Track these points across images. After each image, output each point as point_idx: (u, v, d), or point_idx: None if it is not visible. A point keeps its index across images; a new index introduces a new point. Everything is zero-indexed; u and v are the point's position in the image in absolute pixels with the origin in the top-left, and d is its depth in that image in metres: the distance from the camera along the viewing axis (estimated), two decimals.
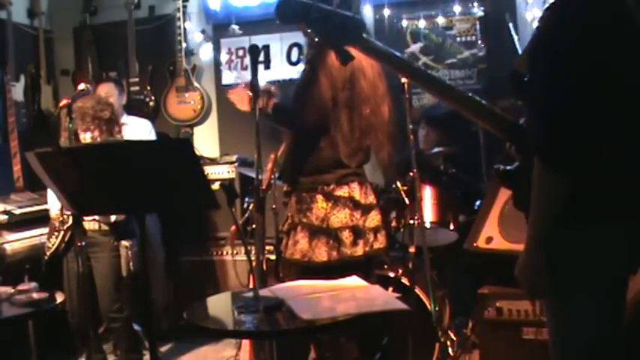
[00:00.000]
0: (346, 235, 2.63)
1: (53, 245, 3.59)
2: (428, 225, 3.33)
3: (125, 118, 4.20)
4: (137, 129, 4.16)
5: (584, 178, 1.57)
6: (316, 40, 2.37)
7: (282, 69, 4.79)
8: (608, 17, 1.58)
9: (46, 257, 3.61)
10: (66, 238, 3.58)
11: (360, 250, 2.65)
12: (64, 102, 3.09)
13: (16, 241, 3.83)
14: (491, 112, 1.84)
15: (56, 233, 3.60)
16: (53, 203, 3.68)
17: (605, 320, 1.67)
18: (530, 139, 1.69)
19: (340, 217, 2.62)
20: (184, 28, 4.86)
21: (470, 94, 1.85)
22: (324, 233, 2.61)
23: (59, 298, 2.55)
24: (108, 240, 3.65)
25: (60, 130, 3.52)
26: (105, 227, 3.62)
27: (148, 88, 4.96)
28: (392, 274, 3.21)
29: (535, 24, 4.20)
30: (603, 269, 1.64)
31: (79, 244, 3.04)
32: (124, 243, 3.64)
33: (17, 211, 3.89)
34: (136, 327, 3.88)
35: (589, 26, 1.56)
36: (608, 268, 1.65)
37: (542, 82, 1.58)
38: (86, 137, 3.50)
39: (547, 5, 1.68)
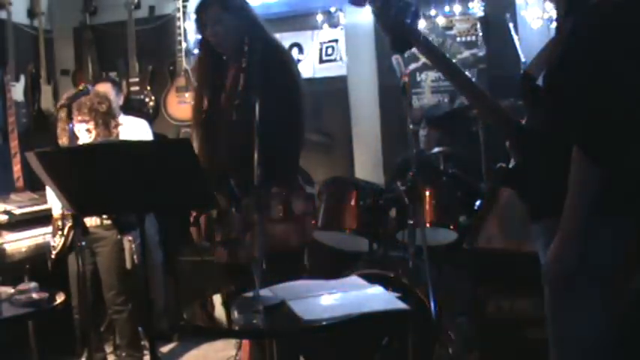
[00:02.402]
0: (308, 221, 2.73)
1: (58, 245, 3.60)
2: (428, 225, 3.33)
3: (122, 119, 4.21)
4: (133, 129, 4.16)
5: (618, 168, 1.61)
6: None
7: None
8: None
9: (52, 256, 3.62)
10: (70, 237, 3.59)
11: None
12: (63, 102, 3.09)
13: (16, 241, 3.83)
14: (505, 116, 1.90)
15: (60, 232, 3.61)
16: (54, 203, 3.68)
17: (608, 311, 1.69)
18: (534, 137, 1.71)
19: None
20: (184, 28, 4.85)
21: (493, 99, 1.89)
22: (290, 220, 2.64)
23: (59, 298, 2.55)
24: (111, 234, 3.67)
25: (59, 131, 3.52)
26: (107, 222, 3.64)
27: (148, 88, 4.96)
28: (392, 274, 3.21)
29: (535, 24, 4.22)
30: (611, 257, 1.67)
31: (79, 244, 3.05)
32: (127, 237, 3.66)
33: (17, 211, 3.89)
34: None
35: (629, 30, 1.60)
36: (616, 257, 1.67)
37: (583, 78, 1.61)
38: (81, 129, 3.50)
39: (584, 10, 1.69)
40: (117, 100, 4.26)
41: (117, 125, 3.65)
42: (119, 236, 3.66)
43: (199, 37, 2.80)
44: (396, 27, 1.86)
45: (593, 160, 1.60)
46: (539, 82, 1.81)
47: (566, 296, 1.71)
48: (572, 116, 1.63)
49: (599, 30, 1.61)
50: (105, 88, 4.21)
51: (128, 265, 3.70)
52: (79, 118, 3.46)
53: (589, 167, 1.60)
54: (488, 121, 1.97)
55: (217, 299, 2.32)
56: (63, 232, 3.58)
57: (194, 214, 2.75)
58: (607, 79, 1.57)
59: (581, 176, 1.61)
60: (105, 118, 3.55)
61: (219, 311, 2.20)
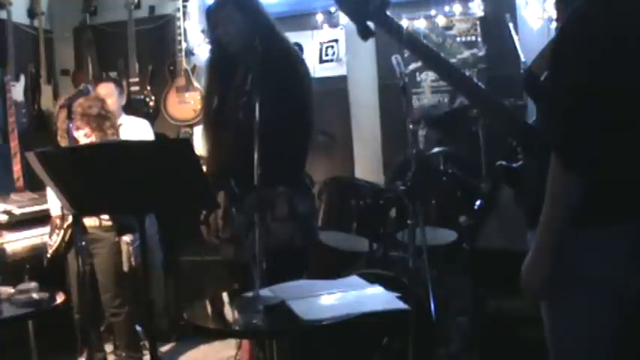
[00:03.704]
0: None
1: (55, 243, 3.60)
2: (428, 225, 3.32)
3: (123, 119, 4.21)
4: (135, 129, 4.16)
5: (598, 178, 1.54)
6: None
7: None
8: (635, 23, 1.57)
9: (48, 255, 3.61)
10: (67, 237, 3.59)
11: None
12: (62, 102, 3.10)
13: (16, 241, 3.83)
14: (500, 108, 1.84)
15: (57, 231, 3.61)
16: (53, 203, 3.68)
17: (604, 322, 1.66)
18: (542, 138, 1.68)
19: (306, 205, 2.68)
20: (184, 28, 4.85)
21: (482, 86, 1.84)
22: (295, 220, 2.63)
23: (59, 298, 2.55)
24: (109, 236, 3.67)
25: (59, 133, 3.52)
26: (105, 223, 3.64)
27: (148, 88, 4.96)
28: (392, 274, 3.21)
29: (535, 24, 4.22)
30: (604, 269, 1.64)
31: (79, 243, 3.05)
32: (125, 239, 3.66)
33: (17, 211, 3.89)
34: (136, 327, 3.89)
35: (617, 33, 1.55)
36: (609, 268, 1.64)
37: (565, 83, 1.56)
38: (79, 135, 3.51)
39: (571, 9, 1.65)
40: (119, 101, 4.26)
41: (112, 126, 3.62)
42: (116, 238, 3.66)
43: (209, 36, 2.80)
44: (358, 13, 1.82)
45: (570, 170, 1.52)
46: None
47: (560, 306, 1.68)
48: (553, 121, 1.57)
49: (587, 32, 1.56)
50: (107, 88, 4.21)
51: (125, 268, 3.69)
52: (75, 124, 3.46)
53: (566, 177, 1.53)
54: (487, 115, 1.88)
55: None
56: (60, 232, 3.58)
57: (204, 212, 2.75)
58: (590, 84, 1.52)
59: (558, 187, 1.54)
60: (98, 121, 3.54)
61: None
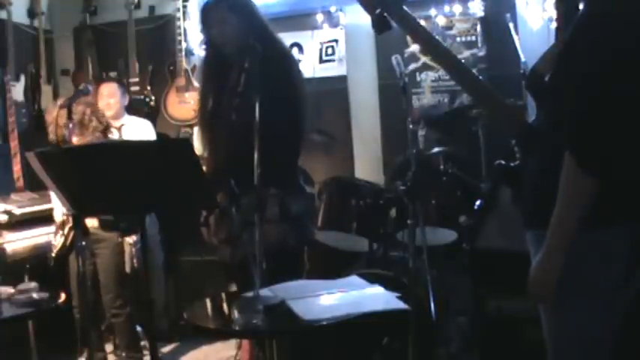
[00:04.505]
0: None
1: (59, 244, 3.60)
2: (428, 225, 3.32)
3: (125, 119, 4.21)
4: (137, 129, 4.16)
5: (611, 178, 1.54)
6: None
7: None
8: None
9: (53, 255, 3.62)
10: (70, 237, 3.59)
11: None
12: (62, 102, 3.09)
13: (16, 241, 3.83)
14: (501, 105, 1.83)
15: (61, 232, 3.61)
16: (57, 206, 3.68)
17: (605, 322, 1.66)
18: (542, 137, 1.67)
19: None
20: (184, 28, 4.86)
21: (489, 86, 1.83)
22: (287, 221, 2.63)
23: (59, 298, 2.55)
24: (111, 236, 3.67)
25: (56, 131, 3.51)
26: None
27: (148, 88, 4.96)
28: (392, 274, 3.21)
29: (535, 24, 4.22)
30: (605, 270, 1.63)
31: (79, 244, 3.05)
32: (128, 240, 3.66)
33: (17, 211, 3.89)
34: (137, 327, 3.90)
35: (630, 32, 1.55)
36: (609, 269, 1.64)
37: (579, 83, 1.54)
38: (76, 141, 3.52)
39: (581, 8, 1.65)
40: (122, 100, 4.25)
41: (96, 129, 3.59)
42: (119, 239, 3.66)
43: (204, 36, 2.80)
44: (374, 4, 1.81)
45: (585, 170, 1.51)
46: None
47: (562, 307, 1.68)
48: (567, 119, 1.55)
49: (599, 32, 1.56)
50: (110, 88, 4.21)
51: (127, 269, 3.69)
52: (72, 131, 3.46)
53: (581, 177, 1.52)
54: (491, 115, 1.87)
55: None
56: (64, 232, 3.59)
57: (204, 213, 2.75)
58: (606, 82, 1.51)
59: (571, 186, 1.53)
60: (80, 127, 3.53)
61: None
